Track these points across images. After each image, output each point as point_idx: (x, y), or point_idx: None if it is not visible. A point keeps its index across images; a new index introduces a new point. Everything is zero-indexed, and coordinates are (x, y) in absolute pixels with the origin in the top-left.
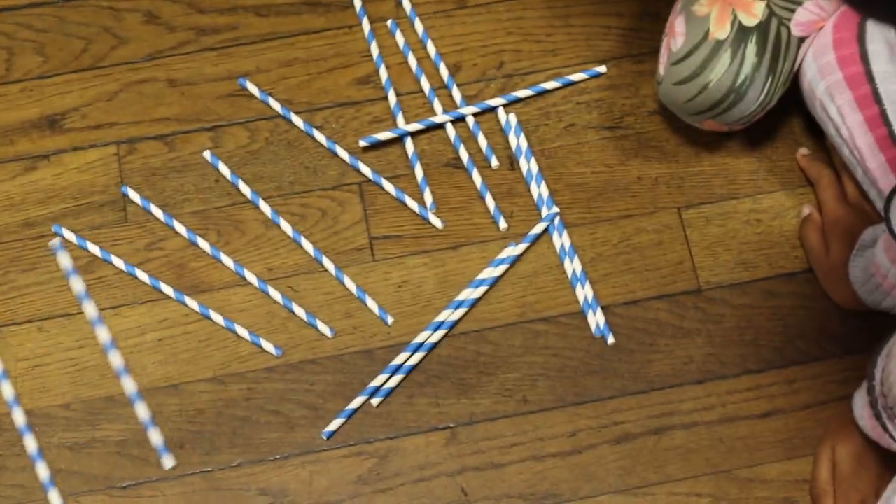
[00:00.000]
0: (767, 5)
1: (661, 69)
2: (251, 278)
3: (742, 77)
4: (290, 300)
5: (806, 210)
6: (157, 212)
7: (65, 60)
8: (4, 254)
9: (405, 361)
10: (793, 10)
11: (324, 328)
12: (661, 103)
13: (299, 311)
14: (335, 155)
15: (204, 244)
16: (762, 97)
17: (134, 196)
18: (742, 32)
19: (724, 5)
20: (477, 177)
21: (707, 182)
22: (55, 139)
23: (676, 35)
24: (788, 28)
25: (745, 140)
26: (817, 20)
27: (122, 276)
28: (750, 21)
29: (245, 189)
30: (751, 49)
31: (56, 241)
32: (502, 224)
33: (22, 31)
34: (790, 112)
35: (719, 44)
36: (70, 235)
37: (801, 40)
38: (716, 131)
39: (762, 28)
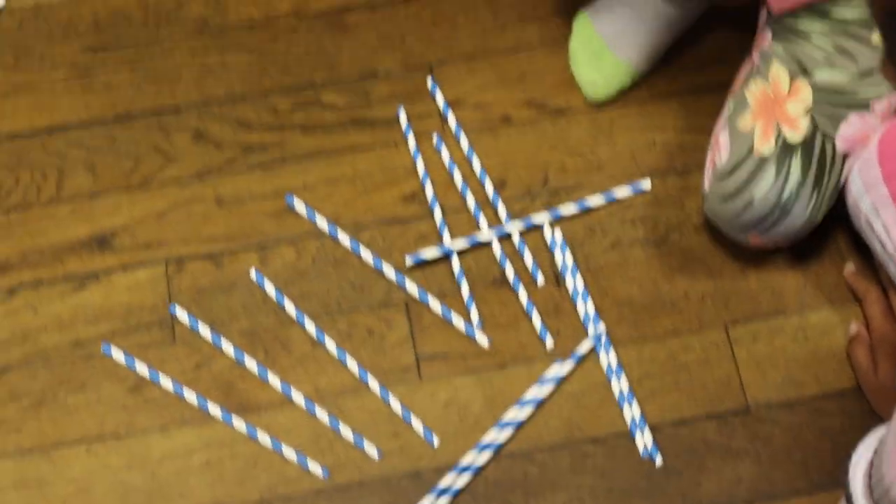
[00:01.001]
0: (812, 120)
1: (707, 184)
2: (298, 398)
3: (787, 193)
4: (336, 420)
5: (853, 327)
6: (205, 331)
7: (115, 179)
8: (54, 374)
9: (452, 484)
10: (837, 125)
11: (370, 449)
12: (706, 218)
13: (346, 432)
14: (381, 273)
15: (251, 363)
16: (808, 213)
17: (182, 315)
18: (786, 148)
19: (768, 120)
20: (523, 294)
21: (754, 298)
22: (104, 258)
23: (721, 150)
24: (833, 143)
25: (791, 256)
26: (862, 134)
27: (169, 396)
28: (795, 137)
29: (291, 308)
30: (795, 165)
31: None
32: (549, 342)
33: (73, 151)
34: (836, 227)
35: (764, 159)
36: (119, 355)
37: (846, 155)
38: (762, 248)
39: (807, 144)
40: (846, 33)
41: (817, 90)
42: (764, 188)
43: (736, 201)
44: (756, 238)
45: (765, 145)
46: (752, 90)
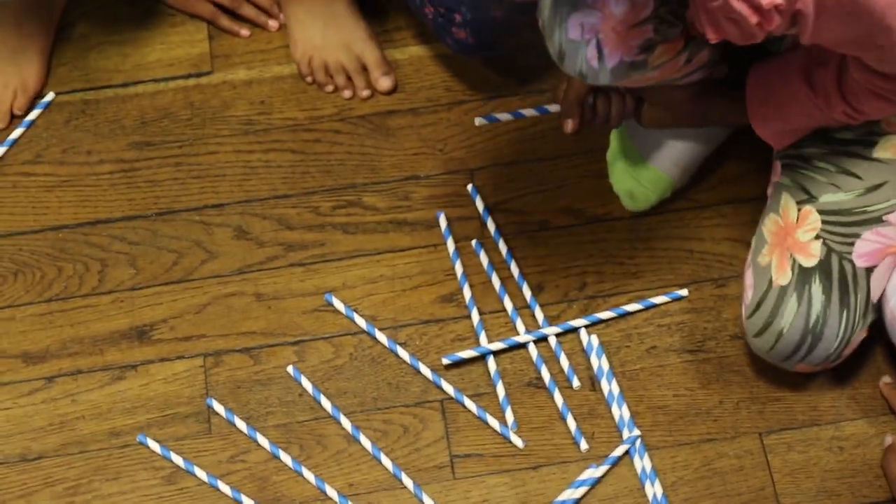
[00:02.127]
0: (824, 243)
1: (743, 323)
2: (332, 494)
3: (814, 317)
4: None
5: (889, 439)
6: (241, 424)
7: (156, 273)
8: (90, 462)
9: None
10: (851, 244)
11: None
12: (742, 328)
13: None
14: (418, 372)
15: (286, 458)
16: (841, 333)
17: (219, 408)
18: (803, 274)
19: (782, 251)
20: (558, 397)
21: (789, 408)
22: (143, 350)
23: (747, 288)
24: (851, 261)
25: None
26: (882, 248)
27: (204, 488)
28: (809, 262)
29: (327, 404)
30: (816, 289)
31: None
32: (583, 445)
33: (116, 244)
34: (874, 340)
35: (783, 289)
36: (154, 446)
37: (870, 269)
38: (810, 373)
39: (823, 266)
40: (847, 153)
41: (824, 213)
42: (790, 317)
43: (767, 335)
44: (801, 366)
45: (782, 276)
46: (768, 225)
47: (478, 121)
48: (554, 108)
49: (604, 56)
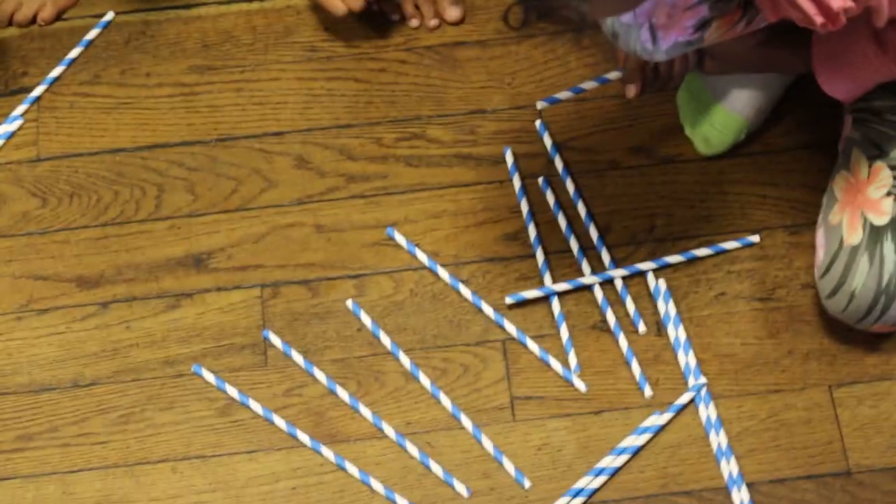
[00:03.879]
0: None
1: (817, 282)
2: (389, 431)
3: (887, 277)
4: (427, 456)
5: None
6: (298, 358)
7: (214, 200)
8: (143, 391)
9: None
10: None
11: (460, 487)
12: (814, 277)
13: (436, 469)
14: (480, 311)
15: (343, 393)
16: None
17: (275, 340)
18: (875, 233)
19: (853, 209)
20: (623, 341)
21: (860, 361)
22: (200, 278)
23: (818, 248)
24: None
25: None
26: None
27: (259, 421)
28: (880, 220)
29: (386, 340)
30: (888, 248)
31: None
32: (647, 391)
33: (173, 169)
34: None
35: (854, 249)
36: (209, 376)
37: None
38: (889, 332)
39: (895, 224)
40: None
41: None
42: (861, 278)
43: (839, 297)
44: (879, 326)
45: (853, 235)
46: (838, 182)
47: (540, 105)
48: (614, 75)
49: (657, 39)
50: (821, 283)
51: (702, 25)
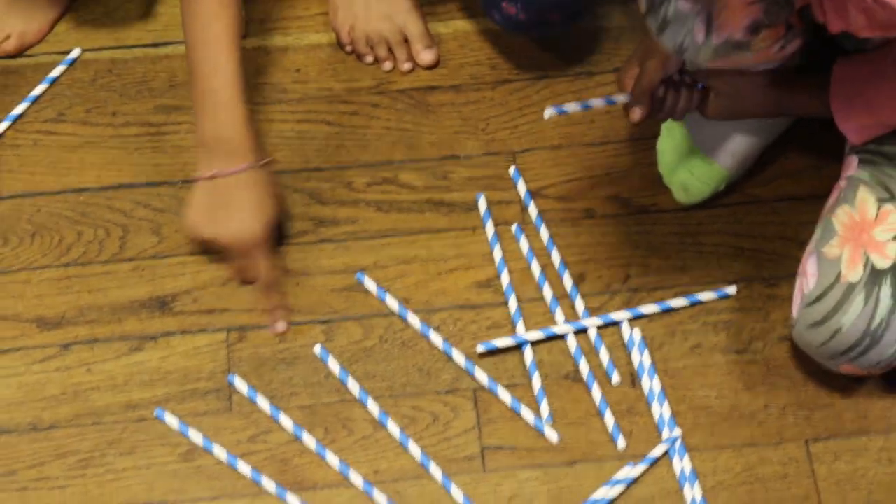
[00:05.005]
0: None
1: (795, 311)
2: (356, 479)
3: (877, 320)
4: None
5: None
6: (264, 403)
7: (179, 242)
8: (104, 434)
9: None
10: None
11: None
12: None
13: None
14: (450, 359)
15: (309, 440)
16: None
17: (241, 385)
18: (875, 275)
19: (855, 247)
20: (597, 392)
21: (837, 416)
22: (164, 321)
23: (808, 276)
24: None
25: (878, 375)
26: None
27: (222, 467)
28: (883, 263)
29: (354, 387)
30: (885, 292)
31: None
32: (621, 443)
33: (139, 210)
34: None
35: (851, 287)
36: (173, 421)
37: None
38: (853, 375)
39: None
40: None
41: None
42: (852, 316)
43: (823, 329)
44: (847, 367)
45: (852, 272)
46: (839, 216)
47: (548, 113)
48: (621, 98)
49: (712, 31)
50: (805, 311)
51: (754, 29)
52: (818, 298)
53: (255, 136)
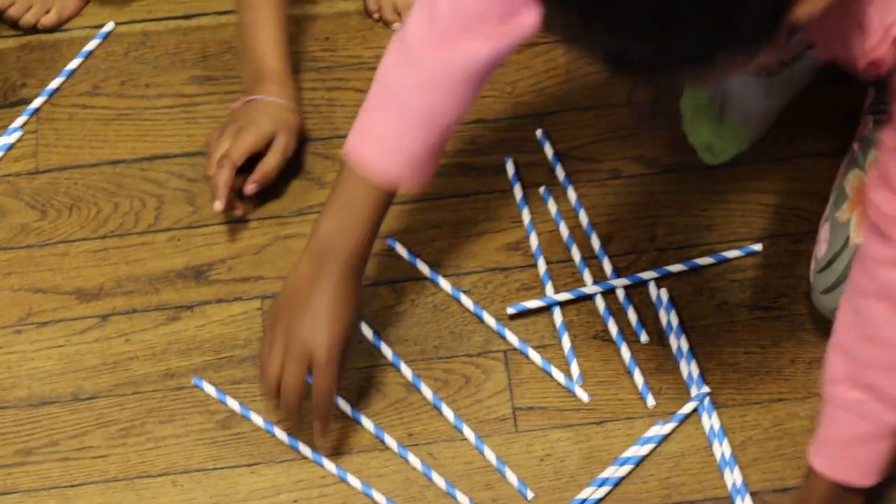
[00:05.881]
0: None
1: (812, 276)
2: (391, 443)
3: None
4: (429, 468)
5: None
6: None
7: (214, 212)
8: (143, 404)
9: None
10: None
11: (462, 499)
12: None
13: (438, 480)
14: (481, 321)
15: (344, 405)
16: None
17: None
18: None
19: (864, 210)
20: (625, 351)
21: None
22: (200, 290)
23: (821, 242)
24: None
25: None
26: None
27: (259, 434)
28: None
29: (387, 351)
30: None
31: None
32: (650, 401)
33: (173, 180)
34: None
35: None
36: (210, 389)
37: None
38: None
39: None
40: None
41: None
42: None
43: (835, 294)
44: None
45: (860, 236)
46: (851, 181)
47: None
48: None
49: None
50: (817, 277)
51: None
52: (829, 263)
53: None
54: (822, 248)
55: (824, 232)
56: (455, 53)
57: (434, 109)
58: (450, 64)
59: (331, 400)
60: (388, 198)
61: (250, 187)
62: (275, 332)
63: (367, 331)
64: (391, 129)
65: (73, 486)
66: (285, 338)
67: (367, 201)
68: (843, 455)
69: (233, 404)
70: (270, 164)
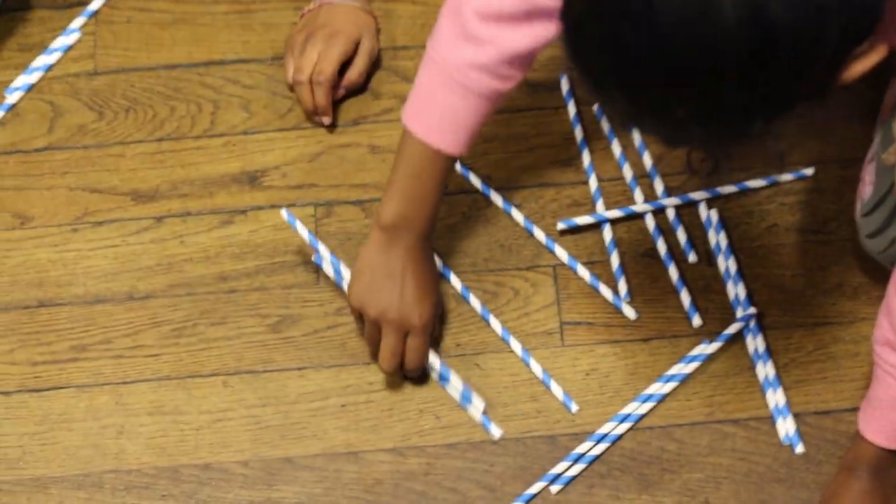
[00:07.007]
0: None
1: (857, 217)
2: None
3: None
4: (470, 392)
5: None
6: (350, 277)
7: (269, 118)
8: (196, 305)
9: (588, 451)
10: None
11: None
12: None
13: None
14: (531, 235)
15: (434, 359)
16: None
17: (326, 258)
18: None
19: None
20: (673, 270)
21: None
22: (254, 195)
23: (866, 184)
24: None
25: None
26: None
27: (310, 338)
28: None
29: (438, 262)
30: None
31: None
32: (696, 321)
33: (229, 86)
34: None
35: None
36: (302, 230)
37: None
38: None
39: None
40: None
41: None
42: None
43: (880, 239)
44: None
45: None
46: None
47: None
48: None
49: None
50: (862, 221)
51: None
52: (874, 208)
53: None
54: (867, 190)
55: (869, 173)
56: (520, 38)
57: (494, 88)
58: (513, 44)
59: (425, 359)
60: (453, 164)
61: (340, 93)
62: (369, 315)
63: None
64: (457, 110)
65: (125, 382)
66: (381, 318)
67: (435, 172)
68: (889, 418)
69: (324, 251)
70: (360, 69)
